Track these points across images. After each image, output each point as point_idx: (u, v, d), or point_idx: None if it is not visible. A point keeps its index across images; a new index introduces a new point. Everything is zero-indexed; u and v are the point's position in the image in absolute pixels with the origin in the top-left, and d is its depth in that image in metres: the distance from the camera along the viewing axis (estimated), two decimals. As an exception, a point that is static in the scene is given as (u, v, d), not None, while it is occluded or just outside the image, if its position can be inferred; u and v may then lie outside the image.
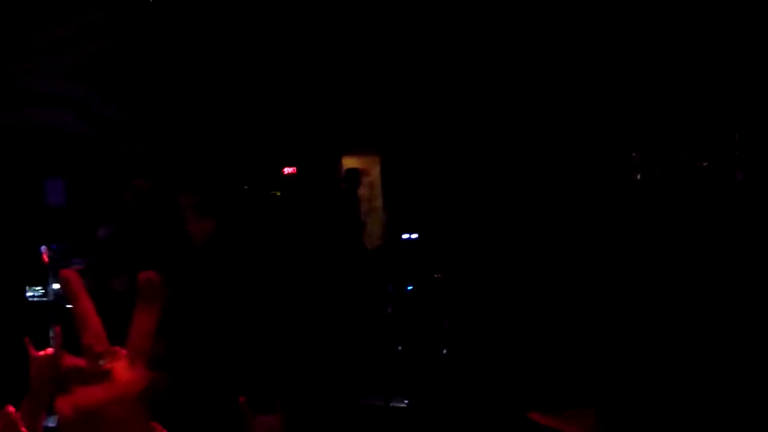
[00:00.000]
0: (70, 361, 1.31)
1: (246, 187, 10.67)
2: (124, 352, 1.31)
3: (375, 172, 12.28)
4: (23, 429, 2.58)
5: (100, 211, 11.27)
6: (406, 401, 8.97)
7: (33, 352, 3.19)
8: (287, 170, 11.72)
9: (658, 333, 6.99)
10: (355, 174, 11.94)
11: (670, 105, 8.88)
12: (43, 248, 10.71)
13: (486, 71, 10.23)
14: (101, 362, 1.29)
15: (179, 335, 8.18)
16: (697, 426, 5.82)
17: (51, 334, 10.29)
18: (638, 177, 8.72)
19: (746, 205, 7.80)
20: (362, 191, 12.09)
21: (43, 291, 10.61)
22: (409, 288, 10.34)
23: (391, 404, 9.03)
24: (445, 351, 9.81)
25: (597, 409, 5.41)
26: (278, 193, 11.45)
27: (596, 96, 9.34)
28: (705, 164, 8.33)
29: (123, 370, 1.29)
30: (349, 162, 12.33)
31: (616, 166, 9.00)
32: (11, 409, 2.66)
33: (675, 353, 6.79)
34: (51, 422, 5.93)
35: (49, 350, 2.87)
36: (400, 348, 10.07)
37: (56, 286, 10.60)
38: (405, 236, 10.70)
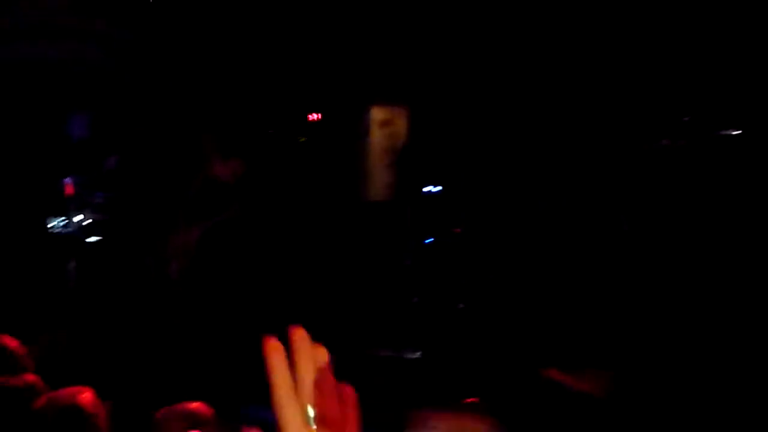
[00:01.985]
0: None
1: (271, 131, 10.68)
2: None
3: (400, 123, 12.22)
4: None
5: (120, 145, 11.31)
6: (419, 353, 9.00)
7: None
8: (312, 116, 11.68)
9: (678, 295, 6.98)
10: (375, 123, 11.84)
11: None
12: (67, 180, 10.77)
13: (517, 23, 10.16)
14: None
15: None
16: (713, 389, 5.83)
17: (71, 265, 10.39)
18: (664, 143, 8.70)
19: None
20: (385, 142, 12.04)
21: (65, 222, 10.67)
22: (428, 241, 10.35)
23: (404, 356, 9.07)
24: (461, 305, 9.83)
25: (614, 371, 5.41)
26: (303, 139, 11.44)
27: (631, 60, 9.28)
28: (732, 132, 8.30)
29: None
30: (374, 112, 12.27)
31: (641, 132, 8.97)
32: None
33: (692, 317, 6.78)
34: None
35: None
36: (415, 300, 10.09)
37: (77, 218, 10.66)
38: (427, 189, 10.68)
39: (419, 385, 7.86)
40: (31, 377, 4.26)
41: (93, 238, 10.58)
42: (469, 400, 4.00)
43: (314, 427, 1.37)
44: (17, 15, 11.47)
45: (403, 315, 9.83)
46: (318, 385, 1.40)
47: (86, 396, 4.19)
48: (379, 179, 11.78)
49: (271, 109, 10.86)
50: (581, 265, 8.82)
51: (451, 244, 10.14)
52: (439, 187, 10.79)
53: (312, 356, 1.41)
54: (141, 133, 10.82)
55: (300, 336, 1.41)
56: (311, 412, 1.37)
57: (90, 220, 10.67)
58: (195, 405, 4.31)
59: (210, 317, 8.18)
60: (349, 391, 1.45)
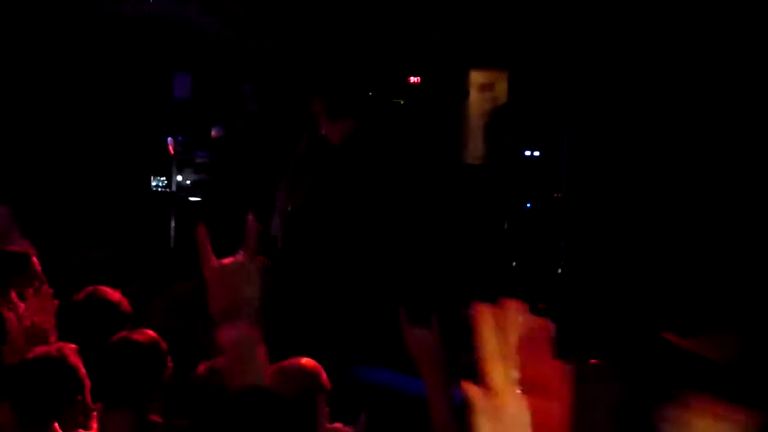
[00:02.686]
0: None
1: (370, 93, 10.68)
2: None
3: (500, 87, 12.14)
4: None
5: (222, 107, 11.39)
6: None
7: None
8: (412, 79, 11.65)
9: None
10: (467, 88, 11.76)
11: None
12: (170, 140, 10.88)
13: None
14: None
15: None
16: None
17: (172, 224, 10.52)
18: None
19: None
20: (486, 106, 11.97)
21: (167, 182, 10.79)
22: (528, 205, 10.29)
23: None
24: (559, 270, 9.78)
25: (740, 336, 5.34)
26: (402, 102, 11.43)
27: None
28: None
29: None
30: (474, 76, 12.20)
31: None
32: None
33: None
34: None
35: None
36: (514, 264, 10.06)
37: (180, 177, 10.77)
38: (527, 153, 10.61)
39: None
40: (153, 333, 4.29)
41: (195, 198, 10.70)
42: (592, 360, 3.98)
43: (519, 388, 1.46)
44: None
45: (502, 278, 9.82)
46: (527, 350, 1.49)
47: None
48: (479, 143, 11.73)
49: (371, 72, 10.86)
50: (683, 232, 8.72)
51: (551, 208, 10.08)
52: (538, 152, 10.72)
53: (520, 324, 1.50)
54: (247, 88, 10.88)
55: (513, 306, 1.52)
56: (515, 374, 1.46)
57: (191, 180, 10.79)
58: (305, 361, 4.32)
59: (311, 277, 8.22)
60: (560, 364, 1.55)
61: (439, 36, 11.37)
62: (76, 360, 3.99)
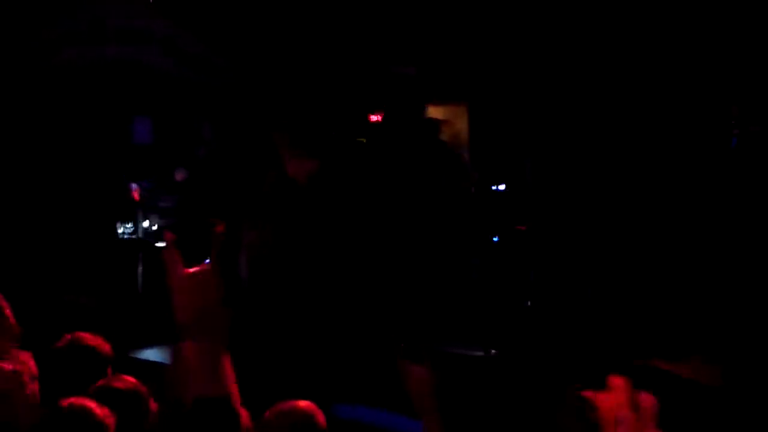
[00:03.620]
0: None
1: (333, 133, 10.69)
2: None
3: (461, 121, 12.19)
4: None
5: (183, 150, 11.36)
6: (493, 351, 8.96)
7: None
8: (374, 117, 11.68)
9: None
10: (434, 125, 11.83)
11: None
12: (134, 186, 10.83)
13: (576, 16, 10.10)
14: None
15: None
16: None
17: (139, 269, 10.45)
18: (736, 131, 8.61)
19: None
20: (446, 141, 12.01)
21: (133, 228, 10.73)
22: (496, 239, 10.31)
23: (469, 353, 9.04)
24: (529, 303, 9.79)
25: (719, 359, 5.37)
26: (364, 140, 11.44)
27: (694, 46, 9.21)
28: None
29: None
30: (433, 112, 12.24)
31: (713, 119, 8.89)
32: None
33: None
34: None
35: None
36: (483, 297, 10.07)
37: (146, 223, 10.71)
38: (492, 187, 10.65)
39: (504, 383, 7.84)
40: (133, 380, 4.26)
41: (161, 243, 10.63)
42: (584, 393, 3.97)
43: None
44: (79, 18, 11.57)
45: (472, 313, 9.81)
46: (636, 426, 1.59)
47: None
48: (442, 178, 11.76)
49: (333, 110, 10.88)
50: (651, 259, 8.75)
51: (518, 241, 10.11)
52: (503, 186, 10.76)
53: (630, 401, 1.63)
54: (209, 135, 10.87)
55: (620, 384, 1.67)
56: None
57: (157, 225, 10.73)
58: (304, 404, 4.31)
59: (283, 316, 8.20)
60: None
61: (399, 71, 11.41)
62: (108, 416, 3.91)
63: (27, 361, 4.43)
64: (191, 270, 2.48)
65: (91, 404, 3.83)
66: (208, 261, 2.52)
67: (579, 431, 3.99)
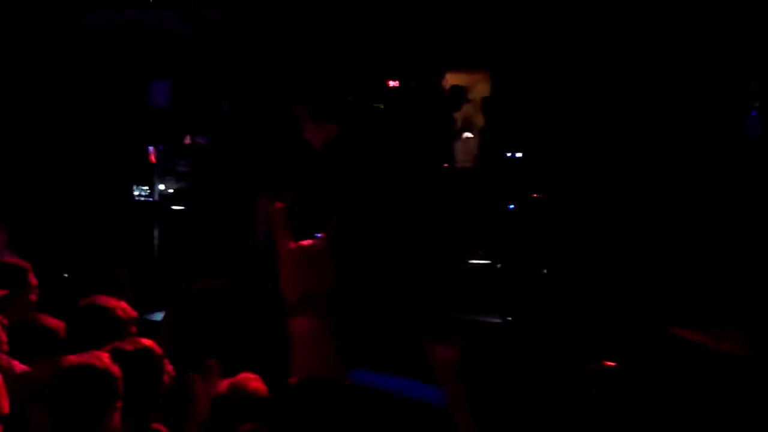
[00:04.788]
0: None
1: (350, 98, 10.66)
2: None
3: (480, 89, 12.15)
4: None
5: (201, 115, 11.34)
6: (508, 318, 8.96)
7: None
8: (391, 83, 11.63)
9: None
10: (460, 92, 11.81)
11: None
12: (150, 149, 10.83)
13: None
14: None
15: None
16: None
17: (156, 233, 10.45)
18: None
19: None
20: (466, 110, 11.99)
21: (149, 190, 10.73)
22: (511, 207, 10.27)
23: (486, 320, 9.04)
24: (545, 271, 9.75)
25: (748, 329, 5.33)
26: (381, 106, 11.40)
27: (712, 15, 9.12)
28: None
29: None
30: (453, 79, 12.21)
31: (731, 89, 8.81)
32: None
33: None
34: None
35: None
36: (499, 266, 10.05)
37: (162, 186, 10.72)
38: (509, 154, 10.61)
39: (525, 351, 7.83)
40: (147, 341, 4.26)
41: (177, 206, 10.65)
42: (608, 363, 3.97)
43: None
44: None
45: (486, 280, 9.81)
46: None
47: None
48: (460, 145, 11.74)
49: (350, 76, 10.84)
50: (661, 235, 8.71)
51: (534, 209, 10.06)
52: (520, 153, 10.72)
53: None
54: (228, 101, 10.85)
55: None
56: None
57: (174, 188, 10.74)
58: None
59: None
60: None
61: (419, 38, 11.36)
62: (114, 368, 3.90)
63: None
64: (302, 243, 2.42)
65: (95, 359, 3.83)
66: (319, 236, 2.45)
67: (596, 400, 3.99)
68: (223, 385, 4.31)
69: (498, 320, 9.01)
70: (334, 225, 2.23)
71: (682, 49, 9.15)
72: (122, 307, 4.76)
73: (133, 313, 4.77)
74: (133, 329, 4.70)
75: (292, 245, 2.15)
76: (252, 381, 4.42)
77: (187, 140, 11.09)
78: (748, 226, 7.75)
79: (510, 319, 8.89)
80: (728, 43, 8.82)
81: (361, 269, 8.42)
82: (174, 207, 10.59)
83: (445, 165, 11.06)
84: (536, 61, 10.58)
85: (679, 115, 9.05)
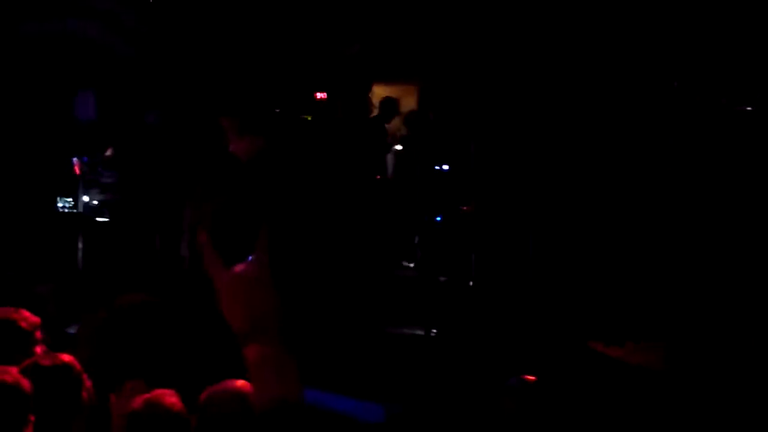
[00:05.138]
0: None
1: (277, 110, 10.63)
2: None
3: (408, 102, 12.20)
4: None
5: (127, 127, 11.25)
6: (434, 331, 8.99)
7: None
8: (319, 95, 11.63)
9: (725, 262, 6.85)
10: (392, 104, 11.81)
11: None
12: (75, 160, 10.72)
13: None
14: None
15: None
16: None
17: (80, 245, 10.35)
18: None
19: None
20: (395, 123, 12.02)
21: (73, 202, 10.61)
22: (439, 219, 10.33)
23: (409, 332, 9.07)
24: (471, 283, 9.82)
25: (666, 343, 5.38)
26: (309, 118, 11.39)
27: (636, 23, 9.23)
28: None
29: None
30: (381, 91, 12.23)
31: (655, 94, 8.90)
32: None
33: (745, 285, 6.67)
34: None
35: None
36: (425, 277, 10.10)
37: (86, 197, 10.61)
38: (436, 168, 10.66)
39: (443, 364, 7.85)
40: (66, 357, 4.19)
41: (102, 218, 10.55)
42: (527, 377, 3.99)
43: None
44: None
45: (414, 292, 9.84)
46: None
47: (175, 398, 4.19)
48: (391, 157, 11.76)
49: (279, 88, 10.81)
50: (592, 239, 8.80)
51: (461, 221, 10.13)
52: (446, 166, 10.77)
53: None
54: (151, 111, 10.78)
55: None
56: None
57: (98, 200, 10.64)
58: (240, 383, 4.23)
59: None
60: None
61: (349, 50, 11.37)
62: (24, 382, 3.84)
63: None
64: (236, 269, 2.26)
65: (4, 374, 3.77)
66: (251, 258, 2.29)
67: (516, 414, 4.02)
68: (138, 401, 4.25)
69: (421, 332, 9.04)
70: (265, 245, 2.13)
71: (604, 58, 9.25)
72: (24, 317, 4.66)
73: (36, 319, 4.67)
74: (38, 335, 4.61)
75: (226, 274, 2.05)
76: (167, 396, 4.35)
77: (109, 152, 10.99)
78: (665, 242, 7.84)
79: (435, 331, 8.93)
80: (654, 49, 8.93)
81: (296, 286, 8.39)
82: (99, 219, 10.49)
83: (378, 177, 11.09)
84: (463, 75, 10.64)
85: (599, 130, 9.15)
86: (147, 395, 4.27)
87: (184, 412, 4.25)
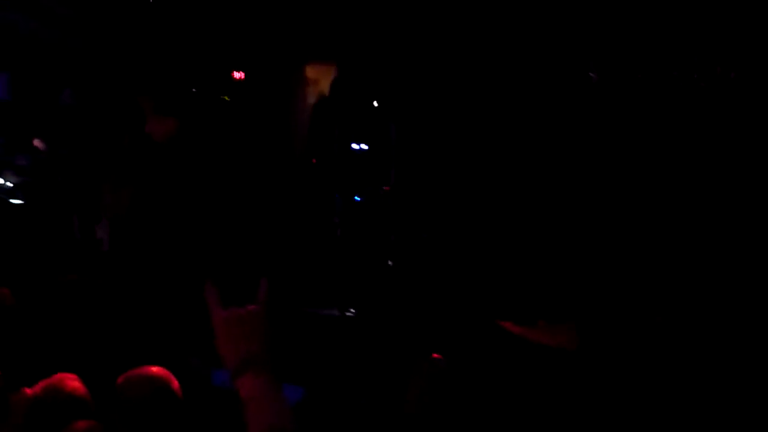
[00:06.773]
0: None
1: (194, 90, 10.55)
2: None
3: (326, 82, 12.14)
4: None
5: (42, 108, 11.12)
6: (351, 311, 9.00)
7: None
8: (237, 75, 11.55)
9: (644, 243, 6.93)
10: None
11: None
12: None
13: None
14: None
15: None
16: (679, 340, 5.87)
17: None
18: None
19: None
20: (312, 101, 11.97)
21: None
22: (357, 199, 10.32)
23: (328, 313, 9.08)
24: (390, 263, 9.83)
25: (577, 322, 5.43)
26: (227, 98, 11.31)
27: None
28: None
29: None
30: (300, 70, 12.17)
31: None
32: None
33: (661, 265, 6.75)
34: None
35: None
36: (345, 257, 10.10)
37: (0, 180, 10.48)
38: (355, 147, 10.65)
39: (363, 342, 7.86)
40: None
41: (16, 201, 10.43)
42: (434, 355, 4.01)
43: None
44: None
45: (334, 272, 9.84)
46: None
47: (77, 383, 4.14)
48: (306, 137, 11.72)
49: (194, 68, 10.72)
50: (514, 221, 8.84)
51: (380, 201, 10.13)
52: (365, 146, 10.75)
53: None
54: (67, 92, 10.64)
55: None
56: None
57: (13, 182, 10.51)
58: (156, 369, 4.21)
59: (143, 280, 8.09)
60: None
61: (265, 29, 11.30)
62: None
63: None
64: (235, 312, 2.39)
65: None
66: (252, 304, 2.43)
67: (428, 394, 4.03)
68: (38, 386, 4.21)
69: (336, 314, 9.05)
70: (265, 298, 2.21)
71: (519, 47, 9.29)
72: None
73: None
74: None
75: (223, 313, 2.12)
76: (69, 380, 4.32)
77: (37, 142, 10.86)
78: (580, 223, 7.91)
79: (352, 312, 8.93)
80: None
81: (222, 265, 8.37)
82: (13, 201, 10.37)
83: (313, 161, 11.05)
84: (382, 54, 10.62)
85: (515, 112, 9.19)
86: (47, 380, 4.24)
87: (87, 395, 4.22)
